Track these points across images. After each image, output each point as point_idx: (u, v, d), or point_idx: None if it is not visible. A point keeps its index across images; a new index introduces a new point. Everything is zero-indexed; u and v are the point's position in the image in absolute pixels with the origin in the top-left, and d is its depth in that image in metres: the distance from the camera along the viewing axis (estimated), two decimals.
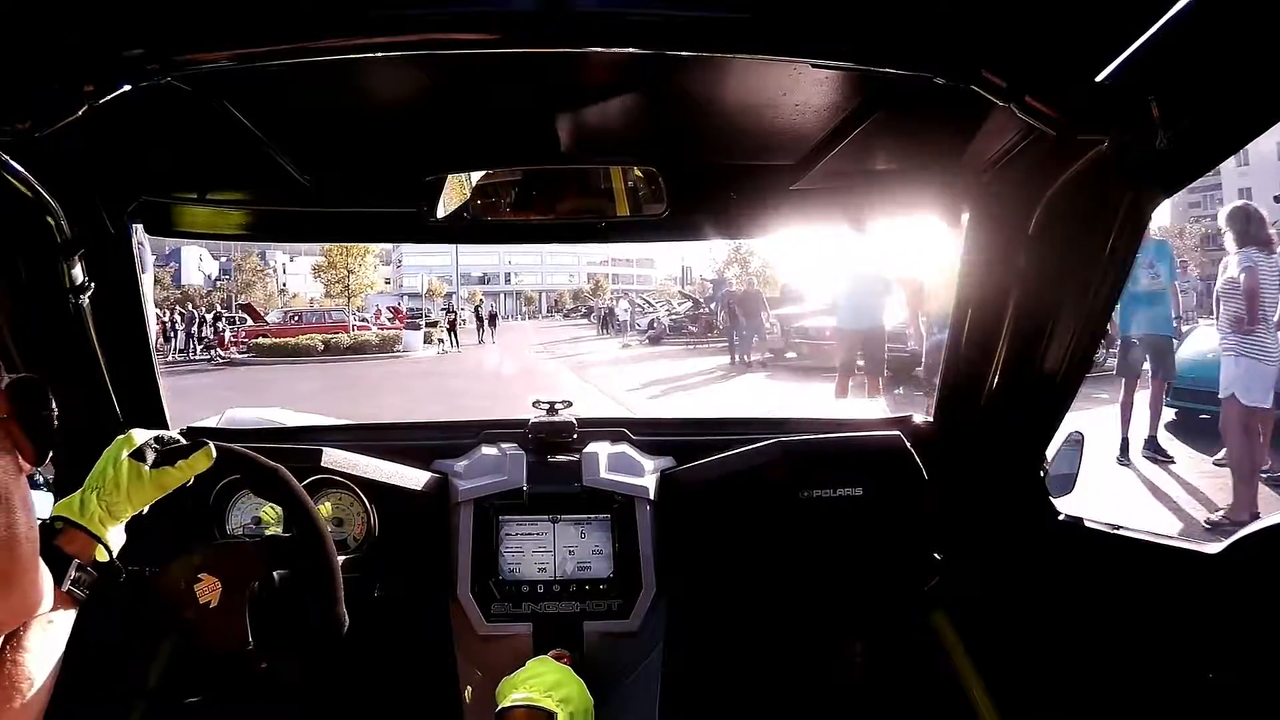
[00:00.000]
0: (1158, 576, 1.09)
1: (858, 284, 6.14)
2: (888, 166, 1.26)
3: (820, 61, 0.80)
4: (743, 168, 1.26)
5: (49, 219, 1.11)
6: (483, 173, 1.22)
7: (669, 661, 1.30)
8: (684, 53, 0.79)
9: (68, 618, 0.80)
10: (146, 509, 0.92)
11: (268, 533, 1.03)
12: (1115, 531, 1.20)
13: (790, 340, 11.78)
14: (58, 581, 0.79)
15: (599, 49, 0.80)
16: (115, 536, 0.87)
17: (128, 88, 0.77)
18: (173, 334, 20.54)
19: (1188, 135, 0.80)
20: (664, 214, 1.22)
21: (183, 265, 37.64)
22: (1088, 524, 1.24)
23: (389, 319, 26.18)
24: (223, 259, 39.97)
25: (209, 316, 22.93)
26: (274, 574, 0.97)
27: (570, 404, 1.48)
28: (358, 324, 23.03)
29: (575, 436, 1.43)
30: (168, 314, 22.30)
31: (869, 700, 1.56)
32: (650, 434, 1.51)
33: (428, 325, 22.92)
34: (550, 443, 1.43)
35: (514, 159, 1.22)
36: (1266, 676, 0.91)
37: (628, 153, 1.20)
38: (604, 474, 1.36)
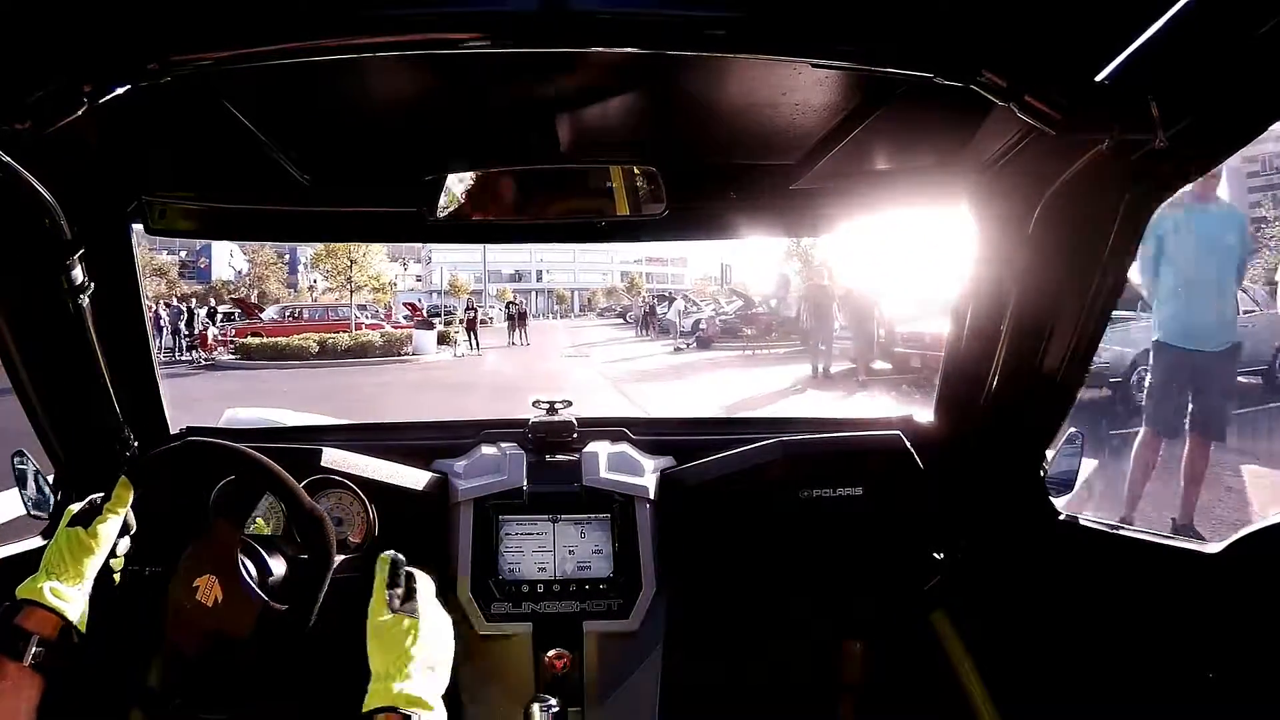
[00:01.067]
0: (1158, 576, 1.09)
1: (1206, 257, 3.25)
2: (888, 166, 1.26)
3: (820, 61, 0.80)
4: (743, 167, 1.26)
5: (49, 219, 1.11)
6: (483, 172, 1.22)
7: (669, 661, 1.30)
8: (684, 53, 0.79)
9: (31, 690, 0.83)
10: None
11: (273, 537, 1.04)
12: (1115, 531, 1.20)
13: (892, 350, 9.51)
14: (18, 657, 0.82)
15: (599, 49, 0.80)
16: (76, 605, 0.89)
17: (128, 87, 0.77)
18: (158, 332, 17.87)
19: (1187, 135, 0.80)
20: (664, 213, 1.22)
21: (213, 260, 36.88)
22: (1088, 524, 1.24)
23: (405, 317, 23.67)
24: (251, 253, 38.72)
25: (202, 311, 20.60)
26: (264, 555, 0.98)
27: (570, 404, 1.48)
28: (369, 322, 20.63)
29: (575, 436, 1.43)
30: (154, 308, 20.18)
31: (869, 700, 1.56)
32: (650, 434, 1.51)
33: (444, 324, 20.51)
34: (550, 442, 1.43)
35: (514, 159, 1.22)
36: (1266, 676, 0.91)
37: (628, 152, 1.20)
38: (604, 474, 1.36)
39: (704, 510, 1.36)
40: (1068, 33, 0.81)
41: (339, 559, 1.02)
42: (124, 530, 0.99)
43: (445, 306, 27.43)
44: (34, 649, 0.83)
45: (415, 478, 1.34)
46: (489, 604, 1.26)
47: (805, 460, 1.33)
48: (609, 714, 1.25)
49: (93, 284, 1.20)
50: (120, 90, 0.78)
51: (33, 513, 1.32)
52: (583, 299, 49.30)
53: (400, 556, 0.92)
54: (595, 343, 20.60)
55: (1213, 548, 0.99)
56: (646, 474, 1.38)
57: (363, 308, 22.52)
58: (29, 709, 0.82)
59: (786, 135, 1.15)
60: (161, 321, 18.15)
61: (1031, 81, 0.78)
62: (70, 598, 0.88)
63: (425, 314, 22.48)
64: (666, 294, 30.17)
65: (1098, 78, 0.84)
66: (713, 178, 1.27)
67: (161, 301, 21.38)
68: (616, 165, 1.22)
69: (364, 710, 0.80)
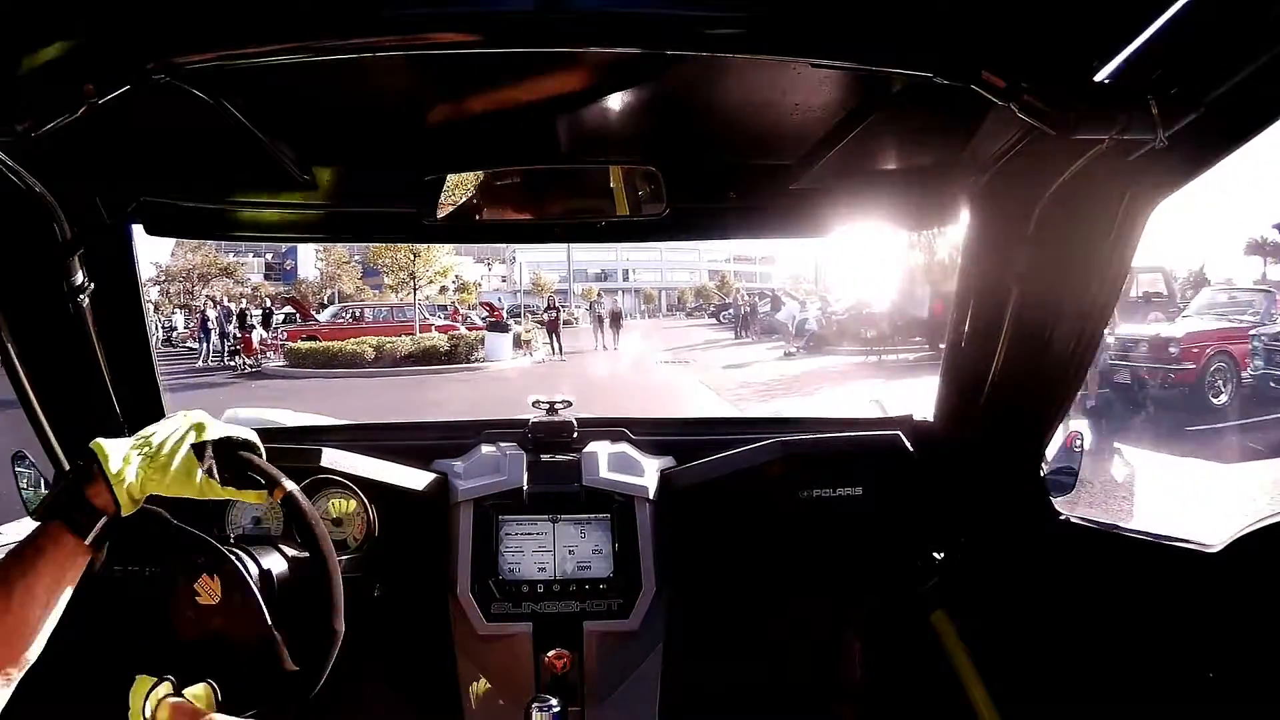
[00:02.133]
0: (1157, 576, 1.09)
1: None
2: (888, 166, 1.26)
3: (820, 61, 0.80)
4: (742, 167, 1.26)
5: (49, 219, 1.11)
6: (482, 172, 1.22)
7: (669, 661, 1.30)
8: (684, 53, 0.79)
9: (81, 566, 0.82)
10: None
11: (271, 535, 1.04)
12: (1115, 531, 1.20)
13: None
14: (82, 532, 0.80)
15: (598, 49, 0.80)
16: (130, 508, 0.86)
17: (127, 88, 0.77)
18: (202, 336, 17.20)
19: (1188, 135, 0.80)
20: (664, 213, 1.22)
21: (299, 261, 36.00)
22: (1088, 524, 1.24)
23: (483, 317, 21.28)
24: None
25: (256, 312, 19.05)
26: (261, 559, 0.97)
27: (570, 403, 1.48)
28: (440, 324, 18.43)
29: (575, 436, 1.43)
30: (206, 309, 18.34)
31: (869, 700, 1.56)
32: (650, 434, 1.51)
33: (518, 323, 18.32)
34: (550, 442, 1.43)
35: (514, 159, 1.22)
36: (1266, 676, 0.91)
37: (627, 152, 1.20)
38: (604, 474, 1.36)
39: (704, 510, 1.36)
40: (1068, 33, 0.81)
41: (340, 557, 1.02)
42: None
43: (529, 306, 25.25)
44: (98, 529, 0.81)
45: (415, 478, 1.34)
46: (489, 604, 1.26)
47: (805, 460, 1.33)
48: (609, 714, 1.25)
49: (93, 284, 1.20)
50: (120, 90, 0.78)
51: (33, 514, 1.32)
52: (670, 298, 47.51)
53: None
54: (692, 346, 18.81)
55: (1213, 547, 0.99)
56: (646, 474, 1.38)
57: (442, 308, 20.94)
58: (72, 585, 0.81)
59: (786, 135, 1.15)
60: (209, 324, 17.16)
61: (1031, 81, 0.78)
62: (138, 501, 0.85)
63: (504, 314, 20.16)
64: (767, 292, 27.48)
65: (1098, 78, 0.84)
66: (713, 178, 1.27)
67: (210, 303, 19.66)
68: (616, 165, 1.22)
69: None
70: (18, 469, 1.32)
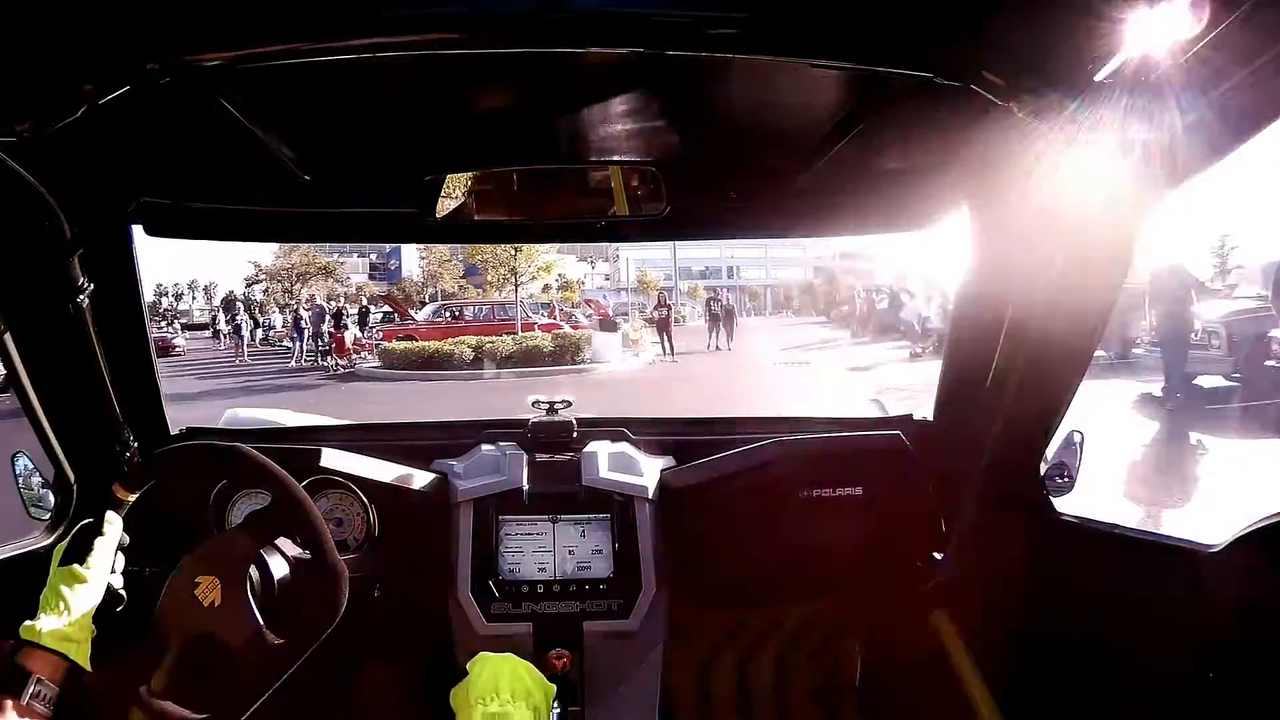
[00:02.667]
0: (1158, 575, 1.09)
1: None
2: (887, 166, 1.26)
3: (820, 61, 0.80)
4: (742, 167, 1.26)
5: (49, 219, 1.11)
6: (482, 172, 1.22)
7: (669, 661, 1.30)
8: (683, 53, 0.79)
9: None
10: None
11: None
12: (1115, 531, 1.20)
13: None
14: (17, 696, 0.83)
15: (598, 49, 0.80)
16: (78, 644, 0.89)
17: (127, 88, 0.77)
18: (296, 335, 16.64)
19: (1187, 135, 0.80)
20: (663, 213, 1.22)
21: (402, 261, 35.42)
22: (1088, 524, 1.24)
23: (587, 316, 20.08)
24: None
25: (352, 310, 18.49)
26: (268, 562, 0.97)
27: (570, 403, 1.48)
28: (544, 323, 17.23)
29: (575, 436, 1.43)
30: (299, 307, 18.01)
31: (869, 700, 1.56)
32: (650, 433, 1.51)
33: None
34: (550, 442, 1.43)
35: (514, 159, 1.22)
36: (1266, 675, 0.91)
37: (627, 152, 1.20)
38: (604, 474, 1.36)
39: (704, 510, 1.36)
40: (1068, 32, 0.81)
41: (341, 557, 1.02)
42: (118, 547, 0.98)
43: (636, 304, 23.91)
44: (32, 688, 0.84)
45: (415, 478, 1.34)
46: (489, 604, 1.26)
47: (805, 460, 1.33)
48: (609, 714, 1.25)
49: (93, 284, 1.20)
50: (120, 90, 0.78)
51: (33, 514, 1.32)
52: (776, 296, 45.56)
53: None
54: (807, 345, 17.33)
55: (1213, 546, 0.99)
56: (646, 474, 1.38)
57: (545, 306, 19.71)
58: None
59: (786, 135, 1.15)
60: (302, 324, 16.62)
61: (1031, 82, 0.78)
62: (72, 636, 0.88)
63: (609, 313, 19.28)
64: (883, 288, 24.56)
65: (1098, 78, 0.84)
66: (712, 178, 1.27)
67: (308, 301, 19.34)
68: (616, 166, 1.22)
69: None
70: (18, 470, 1.32)
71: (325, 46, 0.77)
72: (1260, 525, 0.92)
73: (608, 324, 15.91)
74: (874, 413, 1.74)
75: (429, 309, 20.15)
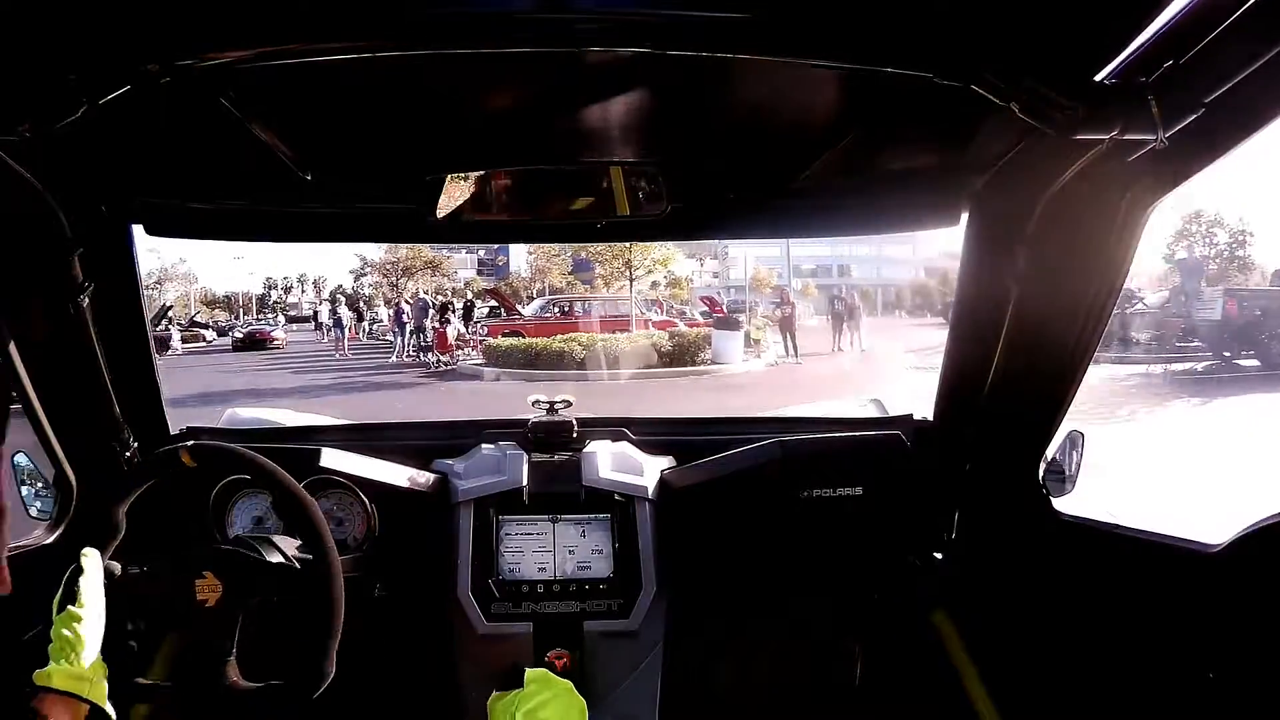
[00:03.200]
0: (1158, 575, 1.09)
1: None
2: (888, 166, 1.26)
3: (820, 61, 0.80)
4: (743, 167, 1.26)
5: (49, 219, 1.11)
6: (483, 172, 1.22)
7: (669, 661, 1.30)
8: (684, 53, 0.79)
9: None
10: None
11: (274, 540, 1.04)
12: (1115, 531, 1.20)
13: None
14: None
15: (599, 49, 0.80)
16: (94, 683, 0.88)
17: (128, 88, 0.77)
18: (397, 330, 16.08)
19: (1187, 135, 0.80)
20: (664, 213, 1.22)
21: (510, 256, 34.88)
22: (1088, 524, 1.24)
23: (702, 314, 18.54)
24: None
25: (458, 304, 17.30)
26: (268, 563, 0.97)
27: (570, 403, 1.48)
28: (658, 320, 15.99)
29: (575, 436, 1.43)
30: (401, 301, 17.06)
31: (869, 700, 1.56)
32: (650, 433, 1.51)
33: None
34: (550, 442, 1.43)
35: (515, 159, 1.22)
36: (1267, 675, 0.91)
37: (628, 152, 1.20)
38: (604, 474, 1.36)
39: (704, 510, 1.36)
40: (1068, 32, 0.81)
41: (341, 557, 1.02)
42: (113, 534, 0.98)
43: (749, 303, 21.48)
44: None
45: (415, 478, 1.34)
46: (489, 604, 1.26)
47: (805, 460, 1.33)
48: (609, 714, 1.25)
49: (92, 284, 1.19)
50: (121, 90, 0.77)
51: (33, 513, 1.32)
52: (887, 295, 43.00)
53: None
54: (934, 348, 14.27)
55: (1213, 546, 0.99)
56: (646, 474, 1.38)
57: (654, 304, 18.37)
58: None
59: (787, 135, 1.15)
60: (404, 318, 15.84)
61: (1031, 82, 0.78)
62: (85, 675, 0.87)
63: (725, 310, 17.54)
64: None
65: (1098, 78, 0.84)
66: (713, 178, 1.27)
67: (404, 298, 18.41)
68: (616, 165, 1.22)
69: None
70: (17, 470, 1.32)
71: (325, 47, 0.77)
72: (1260, 525, 0.92)
73: (729, 322, 14.11)
74: (874, 413, 1.74)
75: (537, 304, 18.89)
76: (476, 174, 1.21)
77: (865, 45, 0.79)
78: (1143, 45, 0.79)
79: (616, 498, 1.33)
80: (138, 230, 1.28)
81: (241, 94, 0.95)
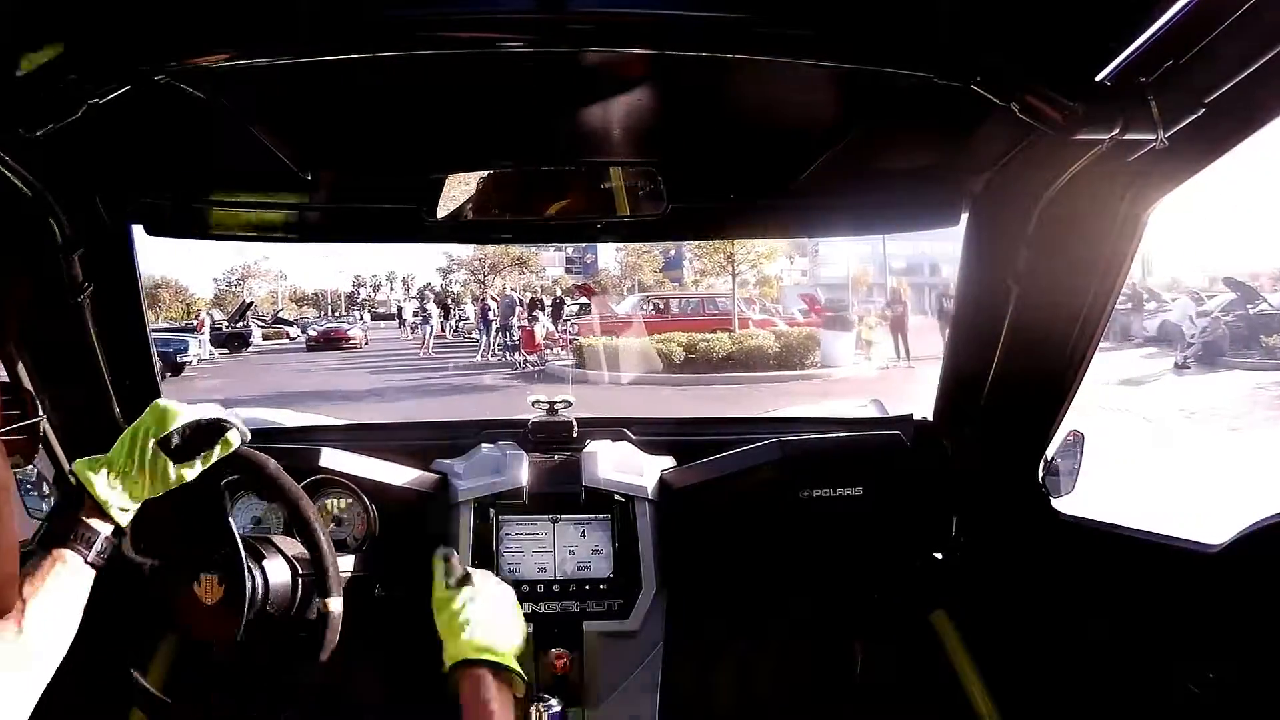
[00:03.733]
0: (1158, 575, 1.09)
1: None
2: (888, 166, 1.26)
3: (820, 61, 0.80)
4: (742, 167, 1.26)
5: (49, 219, 1.11)
6: (483, 172, 1.22)
7: (669, 661, 1.30)
8: (684, 53, 0.79)
9: (88, 581, 0.84)
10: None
11: (274, 540, 1.04)
12: (1115, 531, 1.20)
13: None
14: (83, 554, 0.84)
15: (599, 49, 0.80)
16: (125, 519, 0.89)
17: (127, 88, 0.77)
18: (483, 328, 15.60)
19: (1187, 135, 0.80)
20: (664, 213, 1.22)
21: (598, 254, 33.89)
22: (1088, 524, 1.24)
23: (801, 312, 17.83)
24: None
25: (547, 302, 16.30)
26: (269, 567, 0.97)
27: (570, 403, 1.48)
28: (758, 318, 14.95)
29: (575, 436, 1.43)
30: (487, 298, 16.85)
31: (869, 700, 1.56)
32: (650, 433, 1.51)
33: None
34: (550, 442, 1.43)
35: (514, 159, 1.22)
36: (1267, 675, 0.91)
37: (627, 152, 1.20)
38: (604, 474, 1.35)
39: (704, 510, 1.36)
40: (1068, 32, 0.81)
41: (341, 557, 1.02)
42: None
43: (849, 303, 19.58)
44: (99, 545, 0.85)
45: (415, 478, 1.34)
46: None
47: (805, 460, 1.33)
48: (609, 714, 1.25)
49: (92, 284, 1.19)
50: (120, 90, 0.77)
51: (32, 513, 1.32)
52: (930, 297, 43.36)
53: (450, 550, 1.02)
54: None
55: (1213, 546, 0.99)
56: (646, 474, 1.38)
57: (749, 301, 17.28)
58: (81, 601, 0.84)
59: (786, 135, 1.15)
60: (490, 315, 15.26)
61: (1031, 82, 0.78)
62: (130, 510, 0.88)
63: (825, 309, 16.75)
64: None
65: (1098, 78, 0.84)
66: (712, 178, 1.27)
67: (489, 295, 17.82)
68: (616, 165, 1.22)
69: (444, 671, 0.90)
70: (17, 469, 1.32)
71: (325, 47, 0.77)
72: (1260, 525, 0.92)
73: (840, 321, 13.05)
74: (874, 413, 1.74)
75: (631, 301, 17.72)
76: (476, 174, 1.22)
77: (865, 45, 0.79)
78: (1143, 45, 0.79)
79: (616, 498, 1.33)
80: (138, 230, 1.28)
81: (241, 94, 0.95)
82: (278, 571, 0.99)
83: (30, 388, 1.19)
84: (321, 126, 1.11)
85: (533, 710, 1.14)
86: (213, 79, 0.88)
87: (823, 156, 1.16)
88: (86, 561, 0.84)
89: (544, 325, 13.83)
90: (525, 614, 1.26)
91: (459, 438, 1.49)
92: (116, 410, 1.31)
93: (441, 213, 1.21)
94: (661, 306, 16.24)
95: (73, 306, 1.18)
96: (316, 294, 43.26)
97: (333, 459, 1.26)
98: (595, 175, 1.24)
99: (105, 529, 0.86)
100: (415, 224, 1.24)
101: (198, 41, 0.76)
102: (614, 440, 1.46)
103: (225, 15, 0.75)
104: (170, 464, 0.89)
